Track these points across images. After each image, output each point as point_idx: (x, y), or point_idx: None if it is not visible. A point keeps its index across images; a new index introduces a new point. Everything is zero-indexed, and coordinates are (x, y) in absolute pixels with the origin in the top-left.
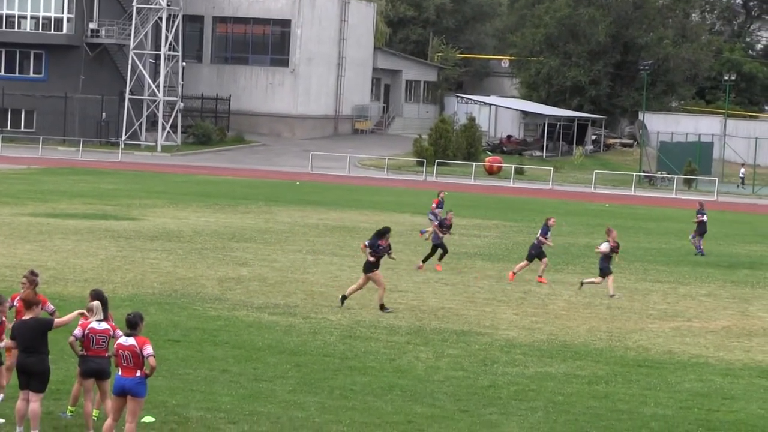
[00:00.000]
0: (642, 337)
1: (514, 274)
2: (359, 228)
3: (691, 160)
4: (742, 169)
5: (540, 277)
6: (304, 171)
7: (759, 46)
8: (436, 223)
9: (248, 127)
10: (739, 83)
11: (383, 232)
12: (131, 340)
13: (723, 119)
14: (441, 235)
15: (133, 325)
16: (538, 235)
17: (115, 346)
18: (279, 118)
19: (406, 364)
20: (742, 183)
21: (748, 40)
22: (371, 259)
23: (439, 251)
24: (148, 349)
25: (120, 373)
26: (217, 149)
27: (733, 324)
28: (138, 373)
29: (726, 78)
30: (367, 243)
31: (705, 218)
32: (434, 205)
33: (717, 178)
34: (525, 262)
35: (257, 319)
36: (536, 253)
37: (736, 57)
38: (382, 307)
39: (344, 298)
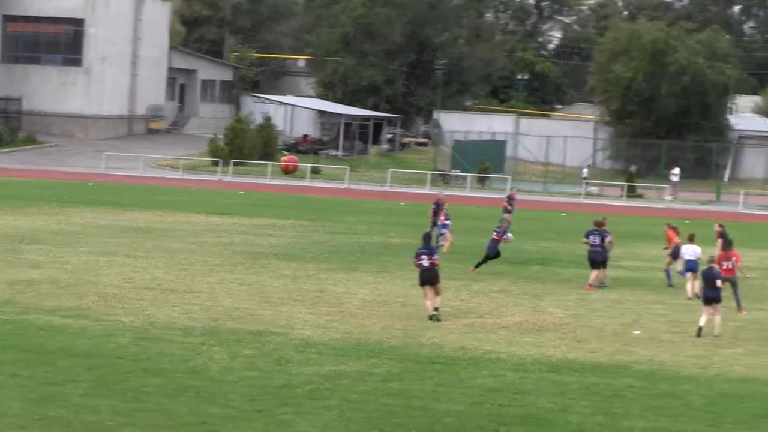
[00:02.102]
0: (436, 334)
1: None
2: (153, 229)
3: (485, 159)
4: (585, 169)
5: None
6: (98, 172)
7: (551, 46)
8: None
9: (41, 127)
10: (532, 82)
11: None
12: None
13: (516, 118)
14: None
15: None
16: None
17: None
18: (72, 118)
19: (201, 365)
20: (585, 182)
21: (540, 39)
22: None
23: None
24: None
25: None
26: (8, 150)
27: (524, 320)
28: None
29: (519, 77)
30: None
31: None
32: (443, 218)
33: (510, 176)
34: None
35: (48, 322)
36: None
37: (529, 57)
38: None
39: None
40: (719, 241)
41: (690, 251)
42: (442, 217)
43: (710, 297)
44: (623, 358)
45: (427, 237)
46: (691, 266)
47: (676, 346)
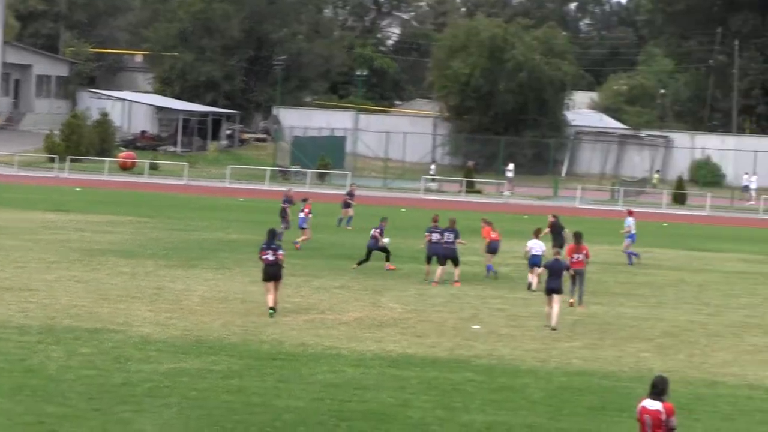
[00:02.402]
0: (276, 331)
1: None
2: None
3: (324, 155)
4: (433, 166)
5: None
6: None
7: (390, 42)
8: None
9: None
10: (371, 78)
11: None
12: None
13: (355, 114)
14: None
15: None
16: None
17: None
18: None
19: (37, 364)
20: (433, 178)
21: (379, 36)
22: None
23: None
24: None
25: None
26: None
27: (365, 315)
28: None
29: (358, 73)
30: None
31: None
32: (306, 212)
33: (350, 172)
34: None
35: None
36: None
37: (368, 53)
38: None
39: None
40: (547, 230)
41: (536, 246)
42: (306, 210)
43: (552, 288)
44: (463, 352)
45: (271, 232)
46: (535, 261)
47: (515, 340)
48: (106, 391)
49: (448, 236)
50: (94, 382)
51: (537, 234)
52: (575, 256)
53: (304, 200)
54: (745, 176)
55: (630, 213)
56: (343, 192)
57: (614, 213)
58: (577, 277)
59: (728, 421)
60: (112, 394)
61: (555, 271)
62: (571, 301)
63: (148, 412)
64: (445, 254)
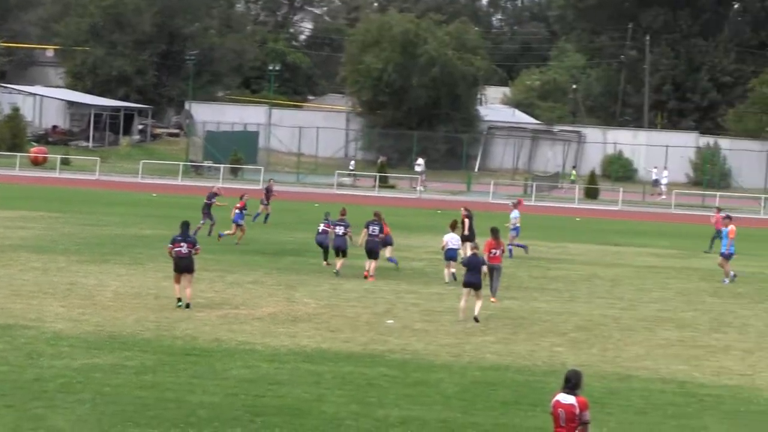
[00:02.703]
0: (190, 326)
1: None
2: None
3: (237, 150)
4: (352, 162)
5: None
6: None
7: (302, 37)
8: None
9: None
10: (283, 73)
11: None
12: None
13: (268, 109)
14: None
15: None
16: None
17: None
18: None
19: None
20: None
21: (291, 30)
22: None
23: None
24: None
25: None
26: None
27: (279, 310)
28: None
29: (271, 68)
30: None
31: None
32: (240, 206)
33: (262, 167)
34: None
35: None
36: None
37: (281, 47)
38: None
39: None
40: (466, 222)
41: (452, 240)
42: (240, 206)
43: (470, 282)
44: (377, 347)
45: (185, 225)
46: (451, 255)
47: (429, 335)
48: (19, 387)
49: (339, 229)
50: (6, 378)
51: (453, 227)
52: (494, 251)
53: (241, 197)
54: (654, 170)
55: (516, 205)
56: (259, 187)
57: (527, 208)
58: (494, 272)
59: (641, 415)
60: (24, 390)
61: (473, 266)
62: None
63: (61, 408)
64: (337, 246)
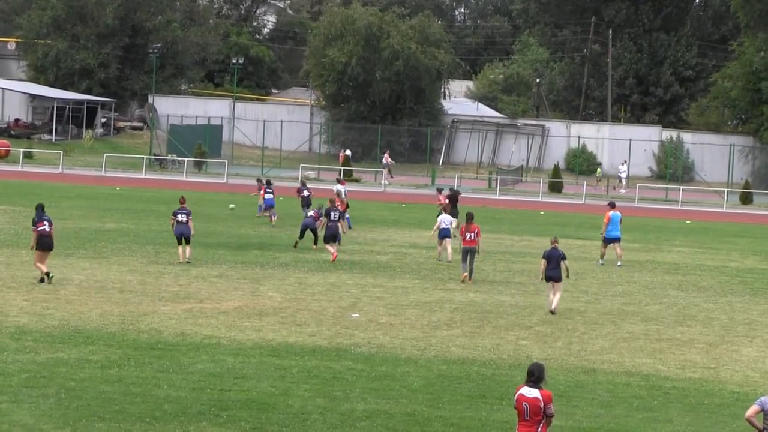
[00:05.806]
0: (155, 320)
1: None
2: None
3: (201, 143)
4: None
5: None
6: None
7: (266, 30)
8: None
9: None
10: (247, 66)
11: None
12: None
13: (232, 102)
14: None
15: None
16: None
17: None
18: None
19: None
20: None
21: (255, 24)
22: None
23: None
24: None
25: None
26: None
27: (244, 304)
28: None
29: (234, 61)
30: None
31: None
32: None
33: (227, 161)
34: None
35: None
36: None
37: (244, 41)
38: None
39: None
40: (446, 204)
41: (446, 219)
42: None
43: (551, 276)
44: (343, 341)
45: (39, 207)
46: (445, 233)
47: (395, 328)
48: None
49: (181, 216)
50: None
51: (446, 210)
52: (468, 235)
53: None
54: (622, 165)
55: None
56: (221, 180)
57: (492, 201)
58: (469, 254)
59: (606, 408)
60: None
61: (554, 259)
62: (464, 275)
63: (26, 403)
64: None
